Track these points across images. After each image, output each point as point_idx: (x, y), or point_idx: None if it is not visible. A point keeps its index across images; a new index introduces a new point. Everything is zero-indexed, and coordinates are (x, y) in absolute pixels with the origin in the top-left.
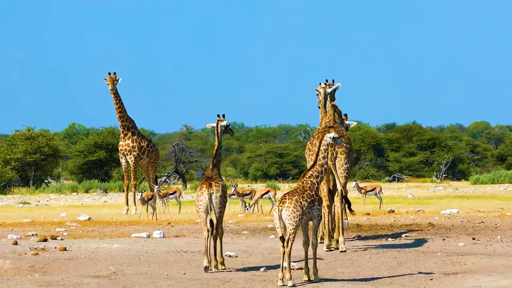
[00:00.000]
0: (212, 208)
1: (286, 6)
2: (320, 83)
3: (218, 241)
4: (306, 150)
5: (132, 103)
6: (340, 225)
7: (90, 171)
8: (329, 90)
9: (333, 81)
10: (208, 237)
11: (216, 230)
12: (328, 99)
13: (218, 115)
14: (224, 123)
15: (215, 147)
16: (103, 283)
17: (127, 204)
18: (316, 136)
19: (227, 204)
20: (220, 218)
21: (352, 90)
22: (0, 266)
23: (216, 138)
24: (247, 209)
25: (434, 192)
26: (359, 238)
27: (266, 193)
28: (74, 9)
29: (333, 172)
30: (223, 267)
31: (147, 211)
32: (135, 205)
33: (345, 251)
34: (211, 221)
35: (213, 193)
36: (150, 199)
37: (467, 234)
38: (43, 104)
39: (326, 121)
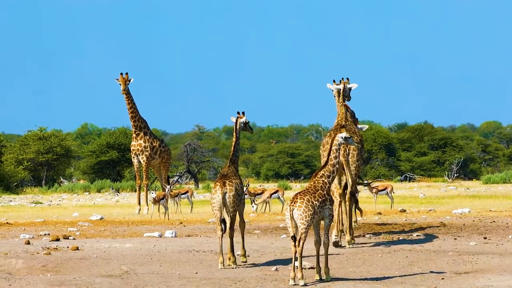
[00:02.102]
0: (226, 207)
1: (298, 5)
2: (336, 80)
3: (236, 236)
4: (321, 147)
5: (144, 103)
6: (348, 223)
7: (102, 171)
8: (349, 86)
9: (348, 79)
10: (221, 236)
11: (231, 228)
12: (341, 96)
13: (238, 112)
14: (243, 119)
15: (233, 143)
16: (115, 282)
17: (139, 203)
18: (329, 134)
19: None
20: (239, 214)
21: (364, 89)
22: (12, 266)
23: (234, 134)
24: (253, 206)
25: (445, 192)
26: (370, 237)
27: (275, 192)
28: (86, 9)
29: (345, 168)
30: (235, 265)
31: (159, 210)
32: (147, 205)
33: (342, 246)
34: (224, 220)
35: (226, 192)
36: (162, 199)
37: (478, 233)
38: (56, 105)
39: (338, 120)
